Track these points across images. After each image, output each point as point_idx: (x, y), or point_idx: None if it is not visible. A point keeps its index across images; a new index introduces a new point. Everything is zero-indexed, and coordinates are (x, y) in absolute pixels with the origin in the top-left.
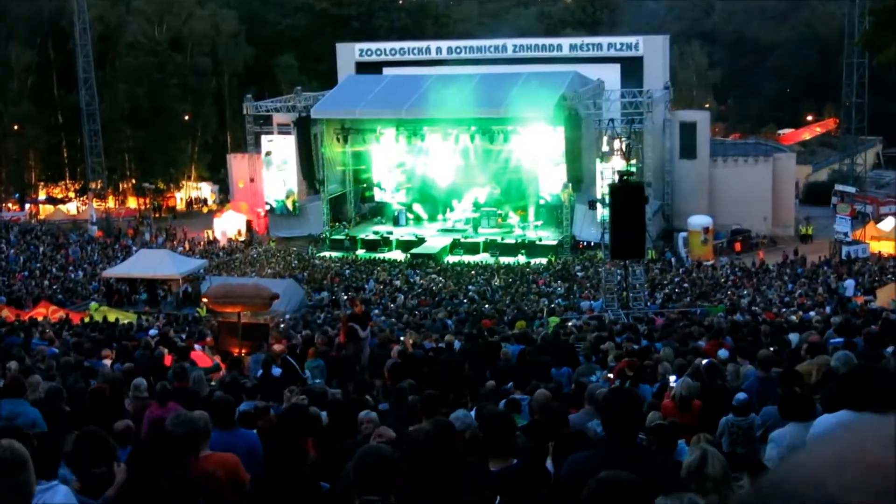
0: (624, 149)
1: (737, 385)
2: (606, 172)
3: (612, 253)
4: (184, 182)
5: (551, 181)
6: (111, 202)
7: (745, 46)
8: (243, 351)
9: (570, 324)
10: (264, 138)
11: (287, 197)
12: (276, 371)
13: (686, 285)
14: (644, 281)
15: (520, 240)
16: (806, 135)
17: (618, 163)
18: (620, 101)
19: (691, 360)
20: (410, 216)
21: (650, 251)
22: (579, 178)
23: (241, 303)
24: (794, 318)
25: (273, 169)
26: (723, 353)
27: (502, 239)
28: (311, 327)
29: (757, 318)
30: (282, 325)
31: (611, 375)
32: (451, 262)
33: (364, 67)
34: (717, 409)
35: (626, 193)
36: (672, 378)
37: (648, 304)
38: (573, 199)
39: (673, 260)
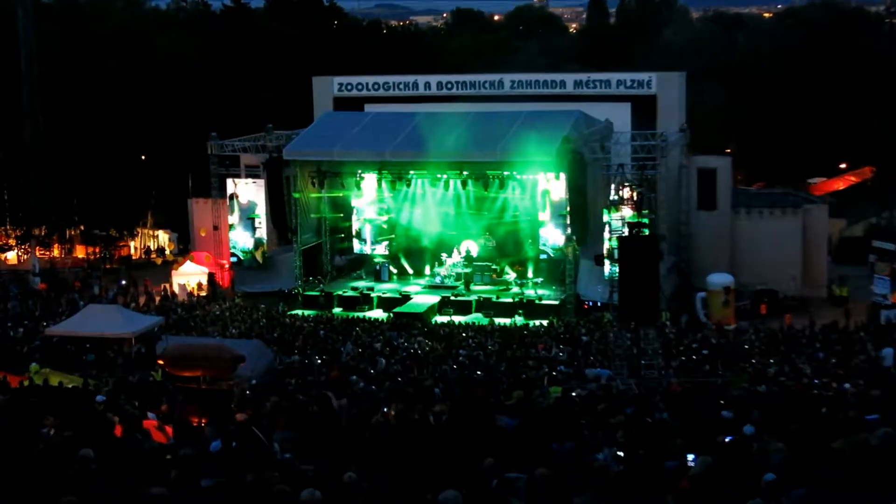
0: (635, 198)
1: (763, 464)
2: (615, 224)
3: (622, 315)
4: (139, 229)
5: (553, 233)
6: (56, 251)
7: (771, 85)
8: (203, 420)
9: (574, 394)
10: (230, 182)
11: (255, 247)
12: (238, 444)
13: (705, 352)
14: (658, 347)
15: (517, 298)
16: (840, 184)
17: (628, 213)
18: (631, 145)
19: (712, 436)
20: (394, 271)
21: (664, 313)
22: (584, 230)
23: (201, 366)
24: (827, 390)
25: (239, 216)
26: (748, 428)
27: (497, 297)
28: (280, 394)
29: (785, 390)
30: (247, 392)
31: (621, 453)
32: (439, 322)
33: (343, 103)
34: (742, 491)
35: (638, 248)
36: (690, 457)
37: (663, 372)
38: (578, 253)
39: (689, 323)
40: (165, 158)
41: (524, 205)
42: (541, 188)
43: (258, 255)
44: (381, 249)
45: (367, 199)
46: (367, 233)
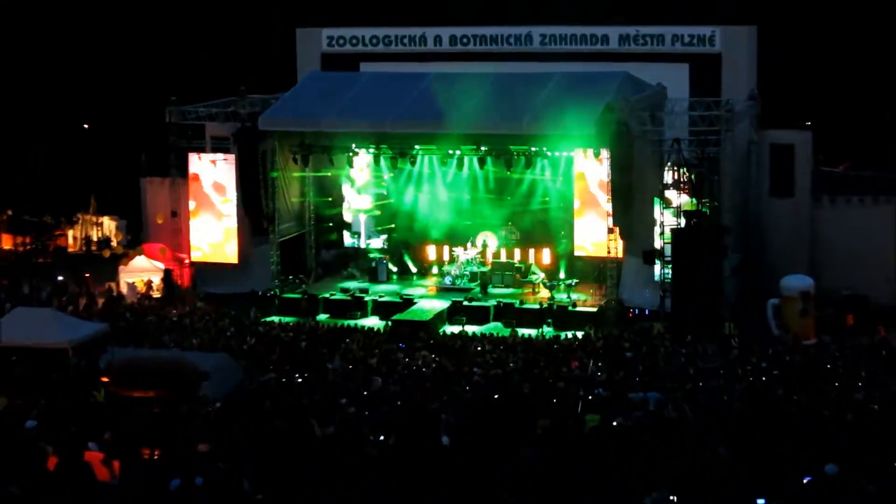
0: (693, 181)
1: None
2: (668, 213)
3: (676, 326)
4: (79, 215)
5: (591, 223)
6: None
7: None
8: (156, 453)
9: (615, 423)
10: (193, 157)
11: (223, 239)
12: (202, 480)
13: (777, 372)
14: (719, 365)
15: (546, 304)
16: None
17: (684, 200)
18: (689, 115)
19: (785, 477)
20: (393, 269)
21: (727, 324)
22: (630, 221)
23: (154, 385)
24: None
25: (204, 199)
26: (830, 468)
27: (521, 303)
28: (252, 420)
29: (877, 420)
30: (212, 417)
31: (673, 497)
32: (448, 333)
33: (334, 61)
34: None
35: (696, 243)
36: (760, 502)
37: (725, 397)
38: (621, 248)
39: (758, 337)
40: (113, 128)
41: (556, 188)
42: (577, 168)
43: (226, 249)
44: (378, 243)
45: (362, 180)
46: (362, 222)
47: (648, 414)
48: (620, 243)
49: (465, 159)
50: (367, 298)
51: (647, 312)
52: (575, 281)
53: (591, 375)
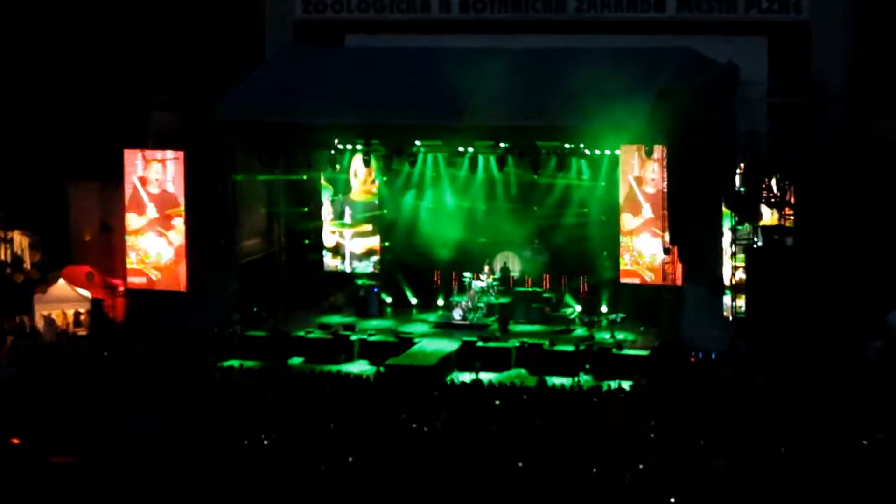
0: (775, 188)
1: None
2: (742, 230)
3: (750, 374)
4: None
5: (642, 242)
6: None
7: None
8: None
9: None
10: (130, 156)
11: (170, 261)
12: None
13: (881, 436)
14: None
15: (583, 346)
16: None
17: (763, 213)
18: (768, 102)
19: None
20: (387, 300)
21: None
22: (693, 239)
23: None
24: None
25: (146, 209)
26: None
27: (551, 345)
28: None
29: None
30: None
31: None
32: (459, 382)
33: (311, 33)
34: None
35: (779, 269)
36: None
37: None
38: (681, 275)
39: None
40: (28, 119)
41: (596, 197)
42: (623, 171)
43: (173, 273)
44: (368, 265)
45: (348, 186)
46: (347, 239)
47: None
48: (679, 268)
49: (480, 159)
50: (353, 337)
51: (713, 356)
52: (621, 316)
53: (643, 437)
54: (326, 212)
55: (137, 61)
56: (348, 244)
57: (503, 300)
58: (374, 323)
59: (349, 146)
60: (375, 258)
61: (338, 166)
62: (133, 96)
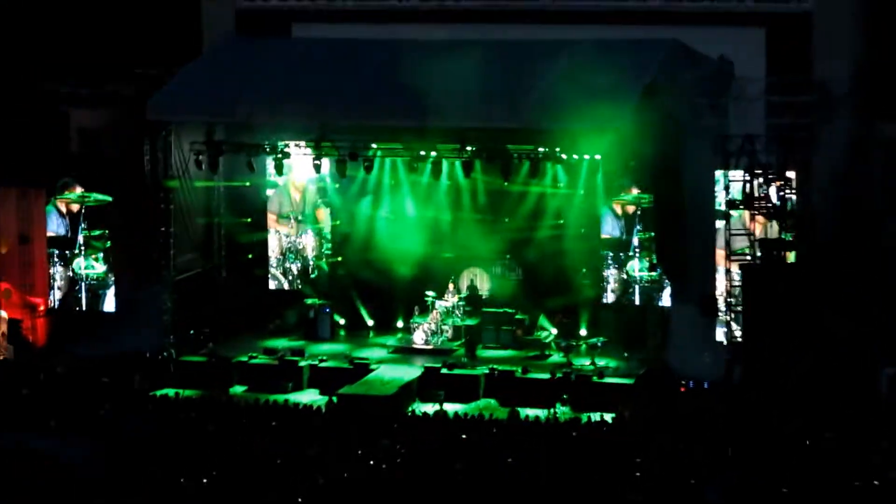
0: (773, 196)
1: None
2: (737, 241)
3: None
4: None
5: (624, 258)
6: None
7: None
8: None
9: None
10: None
11: (96, 277)
12: None
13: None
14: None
15: (560, 374)
16: None
17: (760, 225)
18: (767, 101)
19: None
20: (341, 322)
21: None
22: (681, 254)
23: None
24: None
25: (67, 219)
26: None
27: (524, 372)
28: None
29: None
30: None
31: None
32: (420, 413)
33: (255, 22)
34: None
35: (778, 286)
36: None
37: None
38: (669, 294)
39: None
40: None
41: (575, 206)
42: (604, 177)
43: (99, 290)
44: (320, 282)
45: (296, 194)
46: (294, 254)
47: None
48: (667, 287)
49: (445, 164)
50: (301, 363)
51: (706, 385)
52: (602, 340)
53: (627, 476)
54: (274, 223)
55: (56, 52)
56: (297, 259)
57: (470, 322)
58: (326, 347)
59: (297, 149)
60: (327, 275)
61: (285, 171)
62: (52, 92)
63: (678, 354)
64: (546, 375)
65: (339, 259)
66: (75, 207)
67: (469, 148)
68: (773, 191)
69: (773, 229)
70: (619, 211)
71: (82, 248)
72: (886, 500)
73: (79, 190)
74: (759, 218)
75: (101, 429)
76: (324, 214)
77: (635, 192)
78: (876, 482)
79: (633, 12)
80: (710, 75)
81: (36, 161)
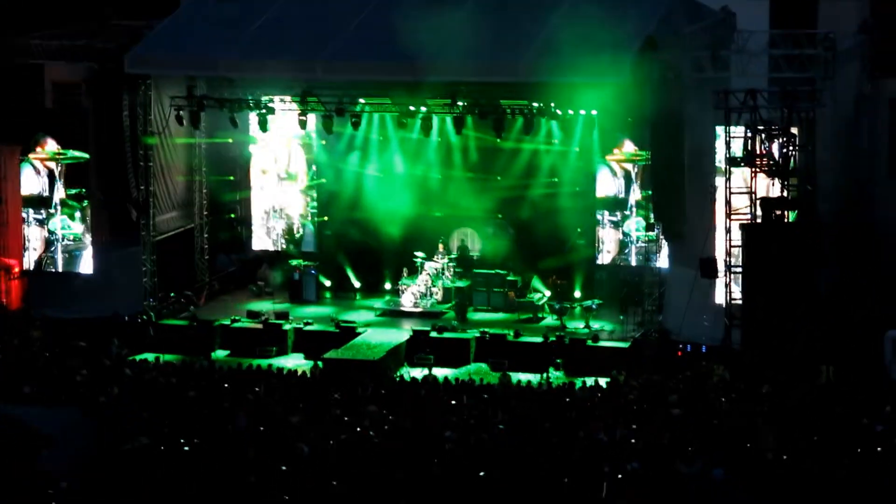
0: (776, 153)
1: None
2: (738, 200)
3: (746, 369)
4: None
5: (620, 217)
6: None
7: None
8: None
9: None
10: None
11: (72, 239)
12: None
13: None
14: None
15: (553, 337)
16: None
17: (762, 183)
18: (769, 55)
19: None
20: (326, 283)
21: (825, 368)
22: (679, 213)
23: None
24: None
25: (43, 177)
26: None
27: (517, 335)
28: None
29: None
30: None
31: None
32: (409, 379)
33: None
34: None
35: (779, 247)
36: None
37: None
38: (666, 255)
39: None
40: None
41: (569, 163)
42: (602, 133)
43: (75, 250)
44: (305, 244)
45: (280, 150)
46: (278, 213)
47: (705, 495)
48: (665, 247)
49: (435, 120)
50: (286, 327)
51: (703, 349)
52: (597, 303)
53: (622, 442)
54: (257, 181)
55: (29, 4)
56: (281, 219)
57: (461, 284)
58: (311, 310)
59: (282, 104)
60: (313, 234)
61: (269, 126)
62: (24, 45)
63: (675, 317)
64: (539, 339)
65: (325, 219)
66: (52, 165)
67: (460, 103)
68: (775, 147)
69: (776, 187)
70: (617, 168)
71: (58, 207)
72: (891, 467)
73: (53, 145)
74: (761, 175)
75: (77, 396)
76: (306, 173)
77: (632, 148)
78: (879, 449)
79: None
80: (712, 27)
81: (9, 117)
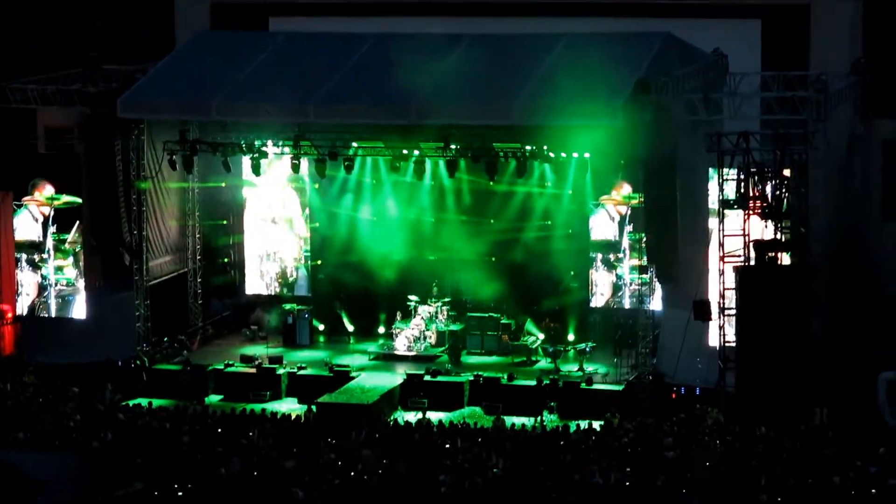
0: (769, 196)
1: None
2: (730, 244)
3: (742, 412)
4: None
5: (613, 260)
6: None
7: None
8: None
9: None
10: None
11: (65, 284)
12: None
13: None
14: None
15: (547, 381)
16: None
17: (756, 225)
18: (761, 97)
19: None
20: (320, 328)
21: (819, 410)
22: (672, 256)
23: None
24: None
25: (33, 224)
26: None
27: (511, 379)
28: None
29: None
30: None
31: None
32: (403, 421)
33: (230, 15)
34: None
35: (773, 289)
36: None
37: None
38: (660, 297)
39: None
40: None
41: (563, 206)
42: (593, 176)
43: (68, 297)
44: (298, 288)
45: (274, 194)
46: (272, 258)
47: None
48: (658, 289)
49: (428, 163)
50: (280, 371)
51: (698, 392)
52: (591, 345)
53: (616, 485)
54: (250, 225)
55: (22, 48)
56: (274, 263)
57: (454, 327)
58: (305, 354)
59: (275, 148)
60: (307, 277)
61: (262, 171)
62: (18, 90)
63: (669, 360)
64: (533, 382)
65: (319, 262)
66: (47, 210)
67: (453, 146)
68: (768, 189)
69: (768, 229)
70: (612, 211)
71: (51, 252)
72: None
73: (50, 190)
74: (754, 218)
75: (71, 441)
76: (300, 216)
77: (626, 190)
78: (874, 490)
79: (625, 4)
80: (704, 69)
81: (1, 161)
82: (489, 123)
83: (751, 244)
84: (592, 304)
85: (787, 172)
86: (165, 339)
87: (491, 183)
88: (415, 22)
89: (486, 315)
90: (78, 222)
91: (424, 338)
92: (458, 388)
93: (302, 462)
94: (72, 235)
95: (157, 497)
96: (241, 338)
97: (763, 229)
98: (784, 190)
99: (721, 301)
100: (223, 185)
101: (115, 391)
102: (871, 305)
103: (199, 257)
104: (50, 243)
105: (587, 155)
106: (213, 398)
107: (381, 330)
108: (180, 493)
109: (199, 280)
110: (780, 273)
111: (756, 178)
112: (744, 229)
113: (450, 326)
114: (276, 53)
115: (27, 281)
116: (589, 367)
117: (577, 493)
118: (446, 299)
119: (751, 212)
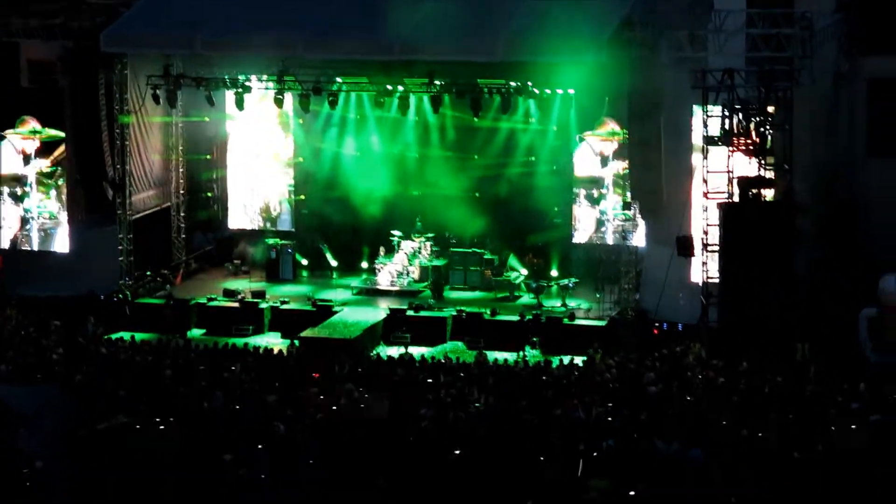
0: (753, 133)
1: None
2: (714, 180)
3: (723, 346)
4: None
5: (597, 196)
6: None
7: None
8: None
9: (632, 493)
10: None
11: (47, 216)
12: None
13: (877, 418)
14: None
15: (530, 316)
16: None
17: (740, 161)
18: (747, 34)
19: None
20: (303, 262)
21: (800, 345)
22: (656, 192)
23: None
24: None
25: (15, 156)
26: None
27: (493, 314)
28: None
29: None
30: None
31: None
32: (385, 356)
33: None
34: None
35: (757, 225)
36: None
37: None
38: (643, 233)
39: (845, 362)
40: None
41: (547, 142)
42: (578, 112)
43: (49, 229)
44: (282, 222)
45: (258, 129)
46: (256, 192)
47: (680, 474)
48: (641, 225)
49: (412, 99)
50: (262, 305)
51: (680, 327)
52: (573, 281)
53: (598, 420)
54: (234, 160)
55: None
56: (261, 195)
57: (437, 262)
58: (288, 289)
59: (259, 82)
60: (290, 213)
61: (246, 105)
62: (1, 23)
63: (652, 295)
64: (515, 317)
65: (302, 198)
66: (30, 143)
67: (438, 82)
68: (752, 127)
69: (753, 166)
70: (595, 146)
71: (33, 185)
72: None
73: (33, 124)
74: (738, 154)
75: (54, 374)
76: (283, 151)
77: (610, 127)
78: (854, 426)
79: None
80: (690, 6)
81: None
82: (474, 60)
83: (735, 181)
84: (575, 240)
85: (771, 109)
86: (148, 272)
87: (475, 119)
88: None
89: (470, 250)
90: (58, 150)
91: (408, 273)
92: (440, 323)
93: (284, 396)
94: (48, 162)
95: (139, 430)
96: (224, 272)
97: (747, 166)
98: (768, 127)
99: (704, 237)
100: (206, 119)
101: (97, 325)
102: (854, 242)
103: (182, 191)
104: (33, 177)
105: (572, 91)
106: (196, 332)
107: (365, 265)
108: (162, 427)
109: (182, 214)
110: (764, 209)
111: (740, 114)
112: (728, 166)
113: (433, 262)
114: None
115: (9, 214)
116: (572, 303)
117: (559, 428)
118: (430, 234)
119: (735, 148)
